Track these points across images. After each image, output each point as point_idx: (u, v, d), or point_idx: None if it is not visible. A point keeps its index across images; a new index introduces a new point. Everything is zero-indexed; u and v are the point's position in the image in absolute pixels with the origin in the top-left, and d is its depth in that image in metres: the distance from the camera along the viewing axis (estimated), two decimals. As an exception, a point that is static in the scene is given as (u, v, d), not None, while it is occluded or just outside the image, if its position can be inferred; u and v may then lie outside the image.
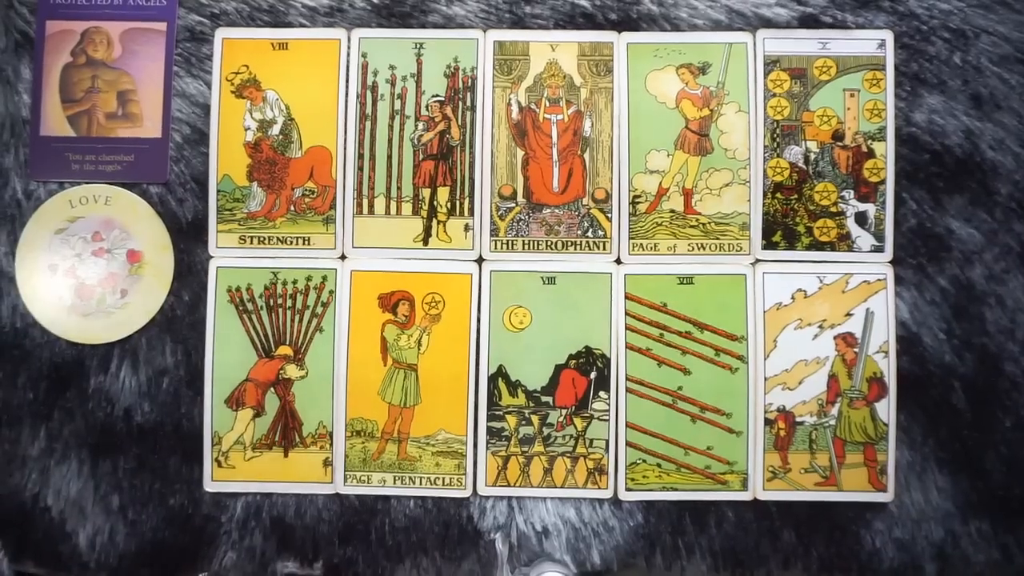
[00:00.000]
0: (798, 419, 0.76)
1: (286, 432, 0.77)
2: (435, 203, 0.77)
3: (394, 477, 0.76)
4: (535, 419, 0.77)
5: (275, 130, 0.78)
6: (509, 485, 0.76)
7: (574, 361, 0.77)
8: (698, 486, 0.76)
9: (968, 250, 0.76)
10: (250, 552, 0.76)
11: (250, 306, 0.77)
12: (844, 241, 0.77)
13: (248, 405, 0.77)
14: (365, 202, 0.77)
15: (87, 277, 0.77)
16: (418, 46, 0.78)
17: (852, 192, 0.77)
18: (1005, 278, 0.76)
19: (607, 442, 0.76)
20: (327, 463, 0.76)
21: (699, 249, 0.77)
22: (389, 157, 0.78)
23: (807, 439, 0.76)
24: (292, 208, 0.78)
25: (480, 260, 0.77)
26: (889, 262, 0.77)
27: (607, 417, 0.76)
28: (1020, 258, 0.76)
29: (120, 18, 0.79)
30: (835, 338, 0.76)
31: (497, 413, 0.77)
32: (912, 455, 0.76)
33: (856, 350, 0.76)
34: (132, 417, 0.76)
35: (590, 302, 0.77)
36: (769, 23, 0.78)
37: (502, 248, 0.77)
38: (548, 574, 0.73)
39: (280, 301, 0.77)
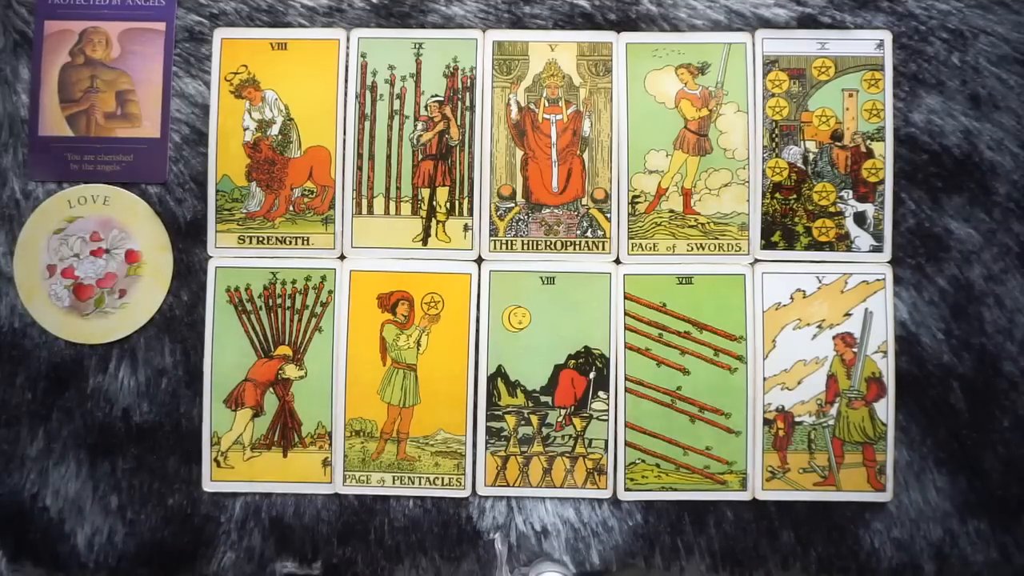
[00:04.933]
0: (797, 419, 0.76)
1: (285, 432, 0.77)
2: (434, 203, 0.77)
3: (393, 477, 0.76)
4: (534, 419, 0.77)
5: (274, 130, 0.78)
6: (508, 485, 0.76)
7: (573, 361, 0.77)
8: (697, 486, 0.76)
9: (967, 250, 0.76)
10: (249, 552, 0.76)
11: (249, 306, 0.77)
12: (843, 241, 0.77)
13: (247, 405, 0.76)
14: (364, 202, 0.77)
15: (86, 277, 0.77)
16: (417, 46, 0.78)
17: (851, 192, 0.77)
18: (1004, 278, 0.76)
19: (606, 442, 0.76)
20: (326, 463, 0.76)
21: (698, 249, 0.77)
22: (388, 157, 0.78)
23: (806, 439, 0.76)
24: (291, 208, 0.77)
25: (479, 260, 0.77)
26: (888, 262, 0.77)
27: (606, 417, 0.76)
28: (1018, 258, 0.76)
29: (118, 18, 0.79)
30: (834, 338, 0.76)
31: (496, 413, 0.77)
32: (911, 455, 0.76)
33: (855, 350, 0.76)
34: (131, 417, 0.76)
35: (589, 302, 0.77)
36: (768, 23, 0.78)
37: (501, 248, 0.77)
38: (547, 574, 0.73)
39: (279, 301, 0.77)
